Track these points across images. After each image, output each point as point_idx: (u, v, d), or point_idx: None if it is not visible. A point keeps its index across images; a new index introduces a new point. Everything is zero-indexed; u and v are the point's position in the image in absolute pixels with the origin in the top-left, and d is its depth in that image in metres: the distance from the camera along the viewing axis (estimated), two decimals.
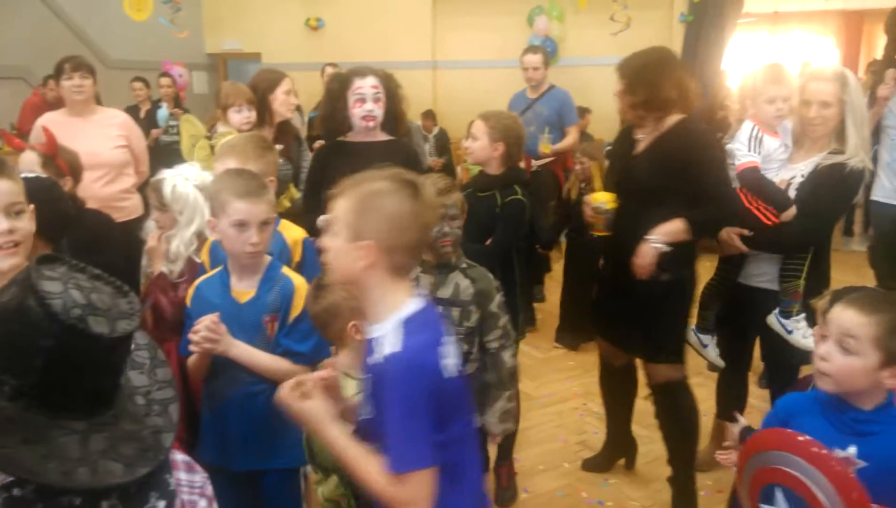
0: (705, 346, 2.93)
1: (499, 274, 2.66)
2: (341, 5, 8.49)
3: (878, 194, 3.93)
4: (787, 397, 1.88)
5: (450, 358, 1.45)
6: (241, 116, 3.41)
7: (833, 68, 2.68)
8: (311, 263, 2.40)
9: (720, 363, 3.00)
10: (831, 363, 1.63)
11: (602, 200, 2.82)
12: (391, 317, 1.44)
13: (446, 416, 1.44)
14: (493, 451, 3.00)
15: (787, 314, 2.66)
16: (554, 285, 4.91)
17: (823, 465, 1.53)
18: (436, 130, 7.64)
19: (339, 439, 1.48)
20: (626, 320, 2.77)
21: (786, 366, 2.74)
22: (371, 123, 3.01)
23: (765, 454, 1.66)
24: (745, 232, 2.67)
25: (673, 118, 2.67)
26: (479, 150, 2.94)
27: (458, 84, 8.44)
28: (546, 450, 3.46)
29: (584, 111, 7.50)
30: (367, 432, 1.49)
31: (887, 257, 3.98)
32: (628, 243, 2.65)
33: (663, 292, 2.66)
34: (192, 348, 1.96)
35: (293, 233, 2.47)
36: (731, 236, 2.70)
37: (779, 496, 1.62)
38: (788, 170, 2.71)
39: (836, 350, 1.62)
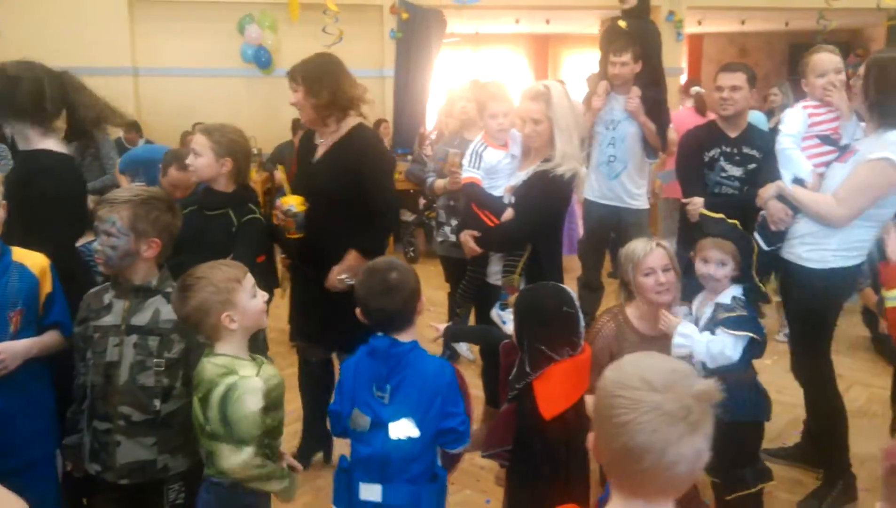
0: (458, 341, 3.24)
1: None
2: (18, 4, 7.38)
3: (588, 193, 4.35)
4: None
5: None
6: None
7: (539, 87, 2.92)
8: (59, 291, 2.20)
9: (471, 356, 3.47)
10: None
11: (291, 203, 2.91)
12: None
13: None
14: None
15: (504, 307, 2.91)
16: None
17: None
18: (141, 143, 6.95)
19: None
20: (321, 316, 2.98)
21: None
22: None
23: None
24: (477, 234, 2.96)
25: (351, 121, 2.95)
26: (205, 167, 2.73)
27: (166, 93, 7.80)
28: None
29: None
30: None
31: (593, 251, 4.42)
32: (317, 245, 2.91)
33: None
34: None
35: (36, 260, 2.12)
36: (467, 238, 2.98)
37: None
38: (516, 177, 2.99)
39: None
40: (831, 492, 2.93)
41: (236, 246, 2.64)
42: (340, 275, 2.89)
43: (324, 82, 2.85)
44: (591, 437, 1.15)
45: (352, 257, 2.89)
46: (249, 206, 2.77)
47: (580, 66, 11.67)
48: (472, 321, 3.70)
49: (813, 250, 2.81)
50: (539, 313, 2.20)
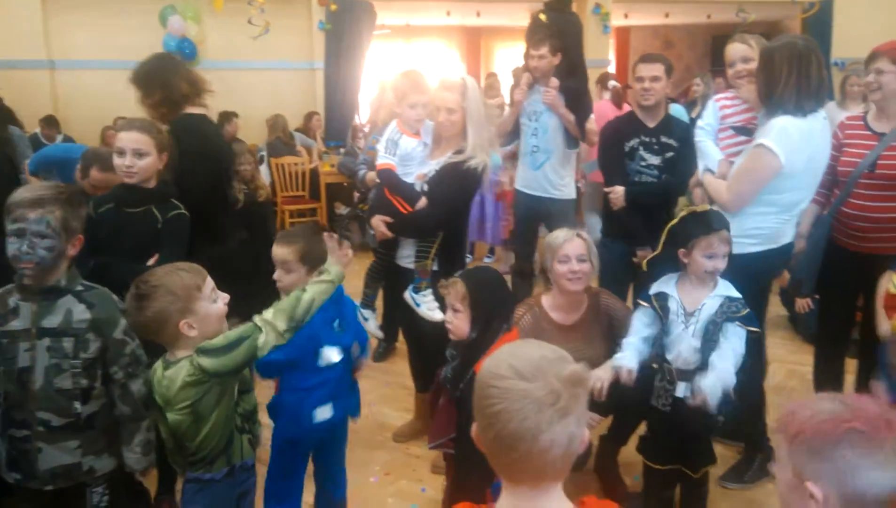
0: (367, 320, 3.23)
1: None
2: None
3: (517, 183, 4.42)
4: None
5: None
6: None
7: (456, 78, 2.99)
8: None
9: (380, 334, 3.66)
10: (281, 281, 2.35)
11: None
12: None
13: None
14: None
15: (417, 290, 3.02)
16: None
17: None
18: (60, 139, 6.69)
19: None
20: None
21: (425, 337, 3.06)
22: None
23: None
24: (390, 219, 3.00)
25: (188, 112, 3.03)
26: (151, 166, 2.61)
27: (84, 87, 7.51)
28: None
29: (230, 116, 7.23)
30: None
31: (523, 240, 4.48)
32: None
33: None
34: None
35: None
36: (379, 223, 3.03)
37: None
38: (427, 165, 3.03)
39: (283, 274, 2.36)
40: (751, 466, 3.07)
41: (164, 244, 2.56)
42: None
43: (154, 82, 2.98)
44: (474, 427, 1.16)
45: None
46: (173, 201, 2.69)
47: (512, 58, 11.78)
48: (380, 300, 3.76)
49: None
50: (497, 290, 2.30)
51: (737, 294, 2.55)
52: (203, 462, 1.95)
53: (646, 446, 2.76)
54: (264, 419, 2.28)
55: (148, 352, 2.15)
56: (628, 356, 2.60)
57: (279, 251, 2.34)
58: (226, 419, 1.93)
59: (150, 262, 2.49)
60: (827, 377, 3.27)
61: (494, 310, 2.23)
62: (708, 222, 2.52)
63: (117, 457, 2.13)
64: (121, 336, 2.06)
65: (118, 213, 2.60)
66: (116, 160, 2.59)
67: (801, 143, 2.66)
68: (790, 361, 4.27)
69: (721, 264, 2.52)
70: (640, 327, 2.65)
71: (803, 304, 3.51)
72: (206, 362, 1.81)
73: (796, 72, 2.64)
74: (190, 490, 1.99)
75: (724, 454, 3.24)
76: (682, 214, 2.61)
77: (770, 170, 2.68)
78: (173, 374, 1.83)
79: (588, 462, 3.08)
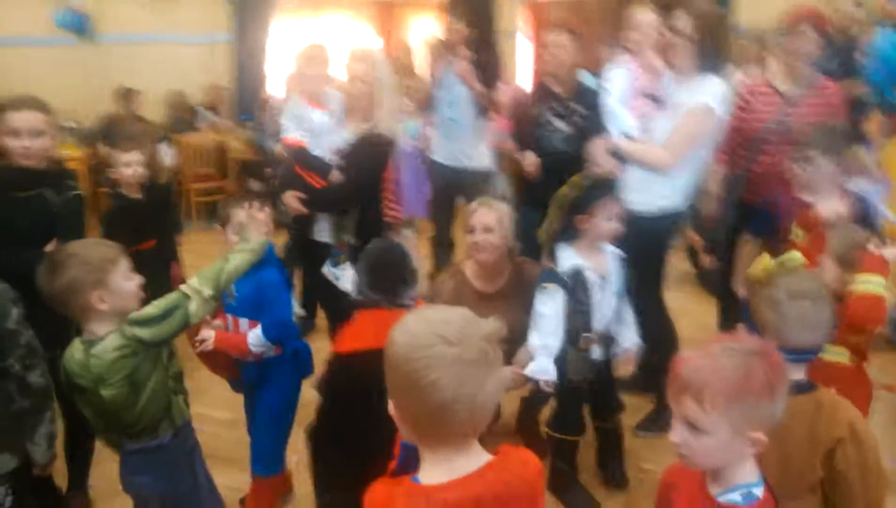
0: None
1: None
2: None
3: (433, 155, 4.43)
4: None
5: None
6: None
7: (365, 50, 3.03)
8: None
9: (300, 311, 3.63)
10: None
11: None
12: None
13: None
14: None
15: (336, 264, 3.03)
16: None
17: None
18: None
19: None
20: None
21: (346, 310, 2.98)
22: None
23: None
24: (302, 195, 3.00)
25: None
26: (49, 145, 2.46)
27: None
28: None
29: (131, 93, 6.90)
30: None
31: (442, 209, 4.48)
32: None
33: None
34: None
35: None
36: (291, 199, 3.01)
37: None
38: (338, 135, 3.03)
39: None
40: (664, 414, 3.20)
41: (63, 227, 2.43)
42: None
43: None
44: (391, 405, 1.15)
45: None
46: (68, 182, 2.56)
47: (427, 29, 11.66)
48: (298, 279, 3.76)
49: (642, 195, 2.96)
50: (380, 263, 2.23)
51: (620, 252, 2.69)
52: (146, 431, 1.94)
53: (558, 422, 2.78)
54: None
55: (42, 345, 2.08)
56: (545, 365, 2.54)
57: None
58: (162, 383, 1.94)
59: (48, 248, 2.36)
60: (732, 327, 3.44)
61: (374, 281, 2.19)
62: (610, 186, 2.60)
63: (19, 454, 2.04)
64: (14, 327, 1.97)
65: (5, 198, 2.44)
66: (11, 142, 2.41)
67: (726, 100, 2.83)
68: (698, 312, 4.46)
69: (619, 225, 2.58)
70: (548, 318, 2.55)
71: (708, 260, 3.69)
72: (143, 332, 1.83)
73: (730, 34, 2.82)
74: (134, 461, 1.97)
75: (640, 405, 3.38)
76: (581, 182, 2.63)
77: (710, 128, 2.81)
78: (101, 351, 1.81)
79: (505, 421, 3.16)
